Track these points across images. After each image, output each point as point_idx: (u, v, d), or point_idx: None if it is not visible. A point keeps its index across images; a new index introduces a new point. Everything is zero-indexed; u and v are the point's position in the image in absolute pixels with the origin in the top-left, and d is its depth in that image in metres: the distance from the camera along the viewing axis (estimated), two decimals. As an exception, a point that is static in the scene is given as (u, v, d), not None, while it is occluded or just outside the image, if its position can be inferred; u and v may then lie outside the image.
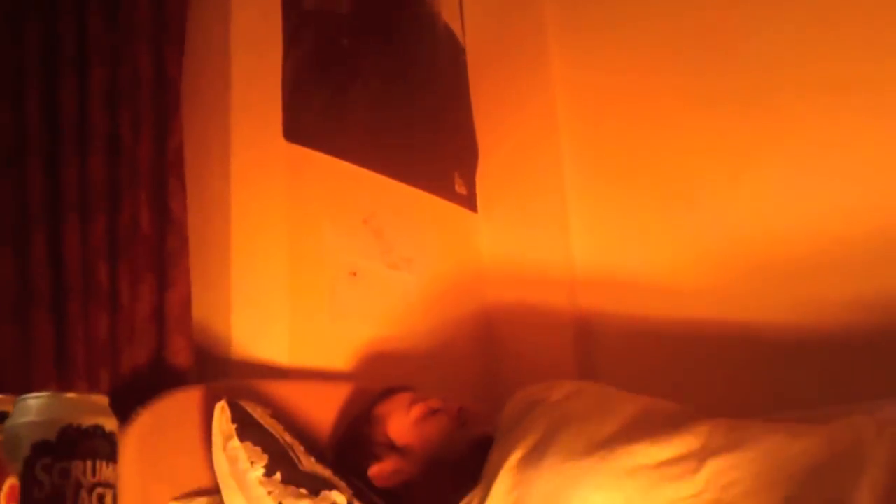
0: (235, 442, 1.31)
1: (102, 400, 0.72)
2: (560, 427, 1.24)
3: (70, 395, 0.71)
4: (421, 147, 2.21)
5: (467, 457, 1.35)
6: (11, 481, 0.59)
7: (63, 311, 1.44)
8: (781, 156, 1.89)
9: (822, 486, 1.00)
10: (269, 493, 1.28)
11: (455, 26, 2.46)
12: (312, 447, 1.44)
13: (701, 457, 1.11)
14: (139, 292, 1.54)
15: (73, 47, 1.51)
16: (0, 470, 0.60)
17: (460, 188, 2.32)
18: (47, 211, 1.45)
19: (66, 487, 0.65)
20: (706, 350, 1.91)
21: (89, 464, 0.66)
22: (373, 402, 1.53)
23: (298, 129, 1.85)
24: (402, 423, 1.46)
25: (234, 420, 1.33)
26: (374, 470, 1.44)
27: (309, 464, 1.37)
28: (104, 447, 0.68)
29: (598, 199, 2.18)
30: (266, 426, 1.37)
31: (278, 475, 1.30)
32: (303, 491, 1.30)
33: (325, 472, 1.38)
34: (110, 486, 0.68)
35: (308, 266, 1.83)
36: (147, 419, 1.36)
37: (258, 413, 1.38)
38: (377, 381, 1.68)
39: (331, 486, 1.34)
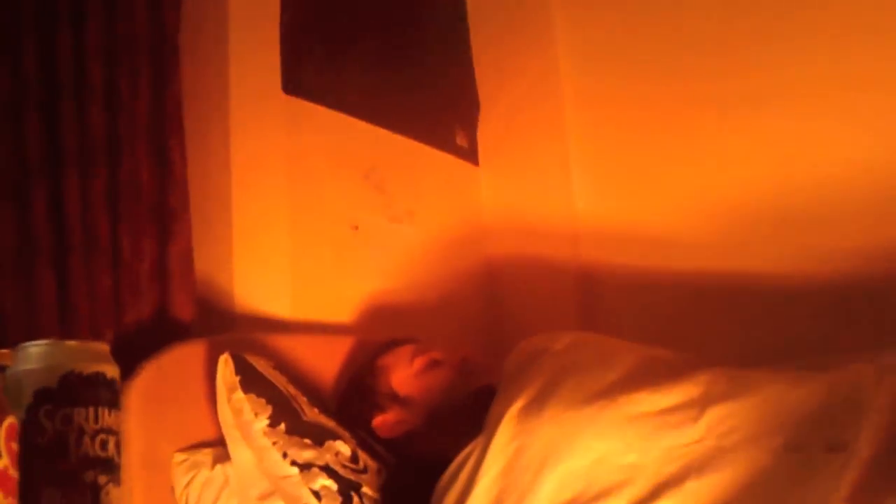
0: (239, 394, 1.32)
1: (103, 347, 0.72)
2: (562, 377, 1.25)
3: (71, 342, 0.71)
4: (422, 100, 2.20)
5: (469, 407, 1.36)
6: (10, 420, 0.60)
7: (65, 267, 1.44)
8: (785, 105, 1.86)
9: (821, 432, 1.01)
10: (274, 443, 1.29)
11: (456, -23, 2.43)
12: (316, 399, 1.45)
13: (701, 405, 1.11)
14: (141, 247, 1.54)
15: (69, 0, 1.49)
16: None
17: (461, 141, 2.31)
18: (47, 166, 1.45)
19: (69, 434, 0.65)
20: (708, 300, 1.91)
21: (91, 410, 0.67)
22: (376, 353, 1.54)
23: (297, 82, 1.84)
24: (404, 374, 1.47)
25: (237, 372, 1.34)
26: (378, 421, 1.45)
27: (313, 415, 1.38)
28: (106, 394, 0.68)
29: (600, 150, 2.17)
30: (269, 378, 1.38)
31: (282, 426, 1.31)
32: (307, 441, 1.31)
33: (329, 423, 1.39)
34: (113, 432, 0.68)
35: (309, 220, 1.83)
36: (151, 373, 1.37)
37: (261, 365, 1.39)
38: (380, 333, 1.69)
39: (335, 437, 1.35)
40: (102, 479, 0.66)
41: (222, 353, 1.37)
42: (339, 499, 1.26)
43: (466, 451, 1.21)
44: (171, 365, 1.40)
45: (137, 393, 1.33)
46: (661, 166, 2.05)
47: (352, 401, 1.51)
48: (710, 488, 0.99)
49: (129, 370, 1.35)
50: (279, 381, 1.40)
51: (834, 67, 1.79)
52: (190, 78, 1.65)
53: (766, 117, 1.88)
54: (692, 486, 1.00)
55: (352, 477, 1.30)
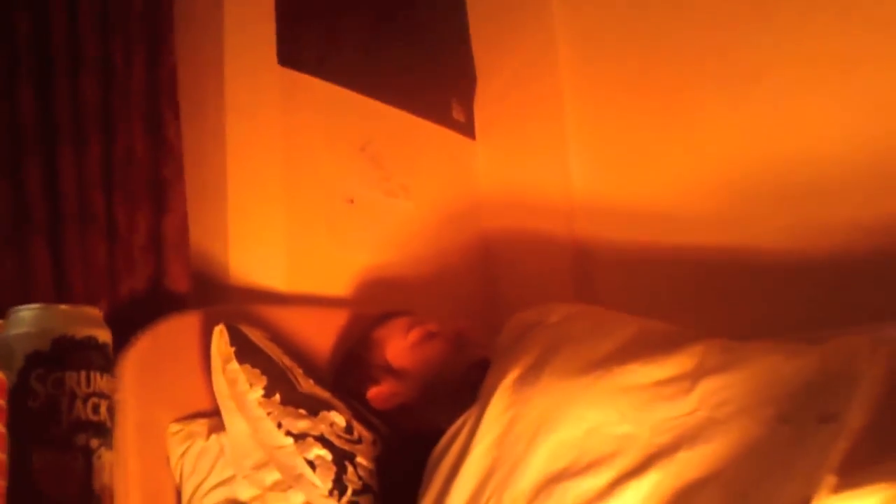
0: (234, 364, 1.32)
1: (95, 312, 0.72)
2: (557, 348, 1.25)
3: (63, 306, 0.72)
4: (418, 73, 2.19)
5: (464, 379, 1.36)
6: (-1, 376, 0.60)
7: (60, 240, 1.44)
8: (782, 79, 1.86)
9: (814, 403, 1.01)
10: (269, 413, 1.29)
11: (453, -51, 2.41)
12: (310, 370, 1.45)
13: (695, 376, 1.11)
14: (136, 219, 1.54)
15: (61, -29, 1.48)
16: None
17: (458, 115, 2.30)
18: (41, 139, 1.45)
19: (61, 397, 0.66)
20: (704, 275, 1.91)
21: (83, 374, 0.67)
22: (370, 326, 1.54)
23: (293, 54, 1.83)
24: (399, 346, 1.48)
25: (232, 343, 1.34)
26: (373, 393, 1.45)
27: (307, 385, 1.39)
28: (98, 358, 0.68)
29: (597, 124, 2.16)
30: (264, 349, 1.38)
31: (277, 396, 1.32)
32: (302, 411, 1.32)
33: (324, 394, 1.39)
34: (105, 396, 0.69)
35: (305, 193, 1.82)
36: (146, 343, 1.37)
37: (256, 336, 1.39)
38: (375, 307, 1.69)
39: (329, 407, 1.36)
40: (94, 442, 0.67)
41: (217, 324, 1.37)
42: (334, 468, 1.27)
43: (460, 421, 1.21)
44: (166, 336, 1.40)
45: (132, 363, 1.33)
46: (658, 141, 2.04)
47: (347, 373, 1.52)
48: (702, 458, 0.99)
49: (124, 342, 1.35)
50: (274, 352, 1.40)
51: (830, 43, 1.79)
52: (185, 50, 1.65)
53: (762, 92, 1.88)
54: (684, 457, 1.00)
55: (346, 447, 1.31)
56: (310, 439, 1.28)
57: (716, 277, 1.90)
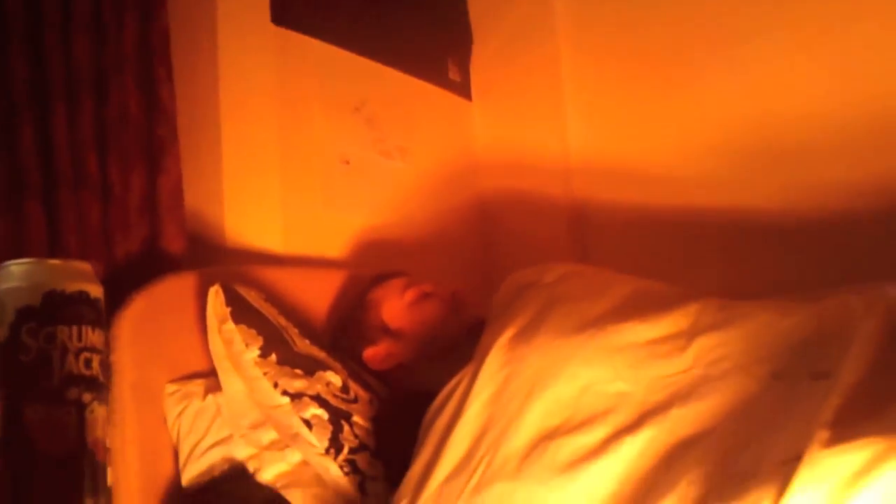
0: (230, 324, 1.32)
1: (86, 266, 0.72)
2: (552, 307, 1.25)
3: (53, 261, 0.71)
4: (413, 33, 2.17)
5: (460, 339, 1.37)
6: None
7: (54, 201, 1.43)
8: (779, 39, 1.84)
9: (808, 361, 1.01)
10: (265, 373, 1.30)
11: None
12: (307, 331, 1.45)
13: (690, 335, 1.11)
14: (130, 180, 1.53)
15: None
16: None
17: (454, 75, 2.28)
18: (33, 99, 1.44)
19: (53, 351, 0.65)
20: (700, 236, 1.91)
21: (75, 329, 0.67)
22: (367, 287, 1.54)
23: (287, 12, 1.81)
24: (395, 307, 1.48)
25: (228, 303, 1.34)
26: (369, 353, 1.46)
27: (304, 346, 1.39)
28: (89, 313, 0.68)
29: (593, 86, 2.15)
30: (260, 309, 1.38)
31: (273, 356, 1.32)
32: (298, 371, 1.32)
33: (320, 354, 1.40)
34: (97, 351, 0.69)
35: (300, 153, 1.82)
36: (141, 304, 1.37)
37: (252, 297, 1.39)
38: (371, 268, 1.69)
39: (326, 367, 1.36)
40: (87, 396, 0.67)
41: (213, 284, 1.37)
42: (330, 427, 1.28)
43: (455, 380, 1.21)
44: (161, 296, 1.40)
45: (128, 324, 1.33)
46: (654, 102, 2.03)
47: (343, 333, 1.52)
48: (695, 415, 1.00)
49: (119, 302, 1.36)
50: (270, 312, 1.40)
51: (824, 3, 1.77)
52: (177, 9, 1.63)
53: (757, 53, 1.87)
54: (677, 413, 1.01)
55: (342, 406, 1.32)
56: (306, 399, 1.29)
57: (711, 238, 1.90)
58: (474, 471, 1.06)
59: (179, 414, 1.36)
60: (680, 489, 0.90)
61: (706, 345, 1.09)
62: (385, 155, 2.01)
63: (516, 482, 1.01)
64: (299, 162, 1.81)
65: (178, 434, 1.36)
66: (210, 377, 1.39)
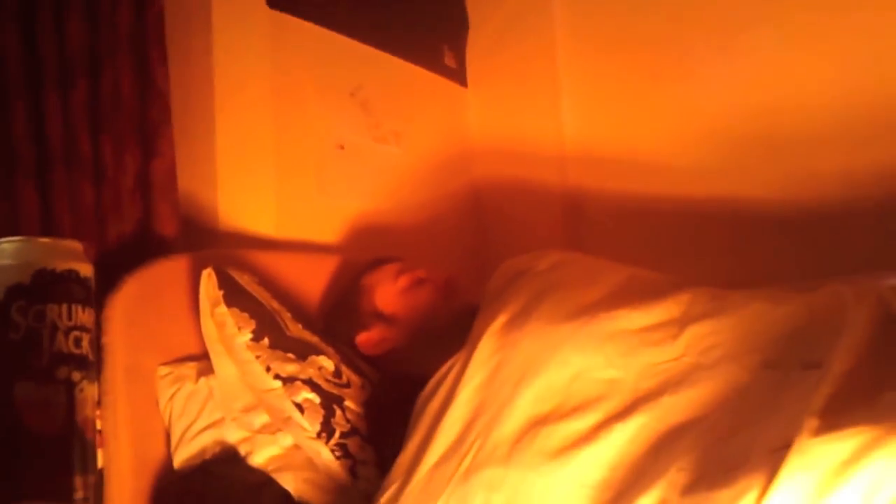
0: (222, 308, 1.32)
1: (77, 245, 0.72)
2: (545, 294, 1.25)
3: (44, 239, 0.71)
4: (410, 18, 2.16)
5: (453, 325, 1.36)
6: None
7: (47, 182, 1.43)
8: (777, 28, 1.84)
9: (799, 349, 1.01)
10: (257, 357, 1.30)
11: None
12: (299, 315, 1.45)
13: (682, 323, 1.11)
14: (123, 162, 1.53)
15: None
16: None
17: (450, 61, 2.28)
18: (26, 79, 1.43)
19: (42, 329, 0.65)
20: (695, 224, 1.91)
21: (65, 307, 0.67)
22: (360, 272, 1.54)
23: (283, -5, 1.80)
24: (388, 292, 1.48)
25: (220, 286, 1.34)
26: (362, 338, 1.46)
27: (296, 330, 1.39)
28: (79, 291, 0.68)
29: (589, 73, 2.14)
30: (253, 293, 1.38)
31: (266, 340, 1.32)
32: (290, 355, 1.32)
33: (313, 338, 1.40)
34: (87, 330, 0.68)
35: (294, 138, 1.81)
36: (134, 286, 1.36)
37: (245, 280, 1.39)
38: (364, 254, 1.69)
39: (318, 352, 1.36)
40: (76, 375, 0.67)
41: (206, 267, 1.37)
42: (322, 412, 1.28)
43: (448, 365, 1.21)
44: (154, 279, 1.40)
45: (121, 306, 1.33)
46: (649, 90, 2.03)
47: (336, 318, 1.52)
48: (686, 403, 1.00)
49: (112, 285, 1.35)
50: (263, 296, 1.40)
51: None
52: (172, -10, 1.62)
53: (754, 42, 1.87)
54: (668, 401, 1.01)
55: (335, 391, 1.32)
56: (298, 383, 1.29)
57: (706, 227, 1.90)
58: (465, 455, 1.06)
59: (171, 396, 1.36)
60: (670, 476, 0.90)
61: (698, 333, 1.09)
62: (380, 140, 2.01)
63: (507, 467, 1.02)
64: (293, 146, 1.80)
65: (169, 417, 1.36)
66: (202, 360, 1.39)
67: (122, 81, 1.53)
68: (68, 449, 0.66)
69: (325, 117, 1.89)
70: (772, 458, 0.81)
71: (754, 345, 1.05)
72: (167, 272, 1.43)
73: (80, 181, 1.46)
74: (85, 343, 0.68)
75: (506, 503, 0.98)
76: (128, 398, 1.33)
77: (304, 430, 1.26)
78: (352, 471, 1.26)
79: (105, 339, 1.32)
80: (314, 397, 1.28)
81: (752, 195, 1.84)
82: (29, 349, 0.66)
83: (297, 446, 1.29)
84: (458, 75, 2.31)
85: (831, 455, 0.77)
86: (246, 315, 1.33)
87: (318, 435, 1.26)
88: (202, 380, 1.37)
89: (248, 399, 1.33)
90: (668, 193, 1.96)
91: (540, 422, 1.04)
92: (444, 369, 1.22)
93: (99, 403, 1.28)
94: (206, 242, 1.63)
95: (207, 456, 1.33)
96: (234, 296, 1.34)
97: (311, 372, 1.31)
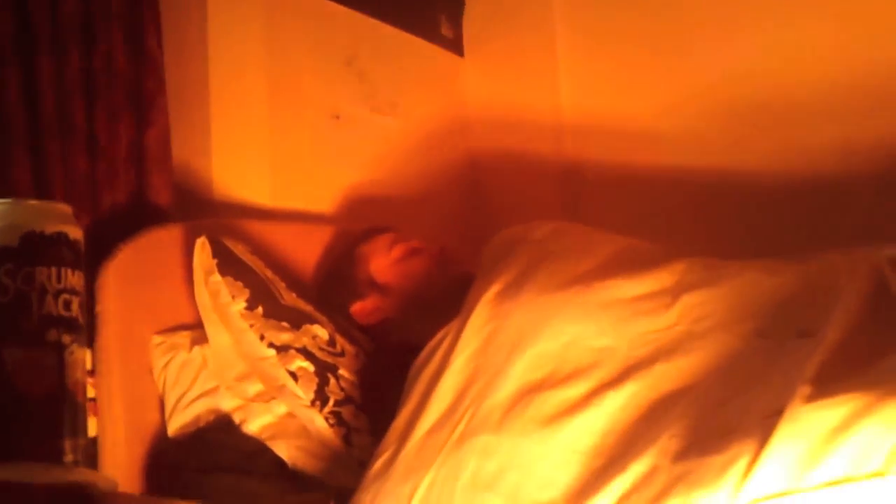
0: (216, 276, 1.32)
1: (66, 208, 0.71)
2: (539, 264, 1.25)
3: (32, 201, 0.71)
4: (405, -14, 2.15)
5: (447, 295, 1.36)
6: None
7: (40, 151, 1.42)
8: (771, 1, 1.83)
9: (792, 319, 1.02)
10: (251, 325, 1.30)
11: None
12: (294, 284, 1.45)
13: (675, 292, 1.12)
14: (117, 131, 1.52)
15: None
16: None
17: (446, 31, 2.26)
18: (19, 48, 1.42)
19: (31, 292, 0.65)
20: (692, 196, 1.91)
21: (54, 270, 0.66)
22: (355, 241, 1.54)
23: (276, -37, 1.78)
24: (383, 262, 1.48)
25: (214, 255, 1.34)
26: (356, 307, 1.46)
27: (290, 299, 1.39)
28: (68, 255, 0.68)
29: (586, 43, 2.13)
30: (247, 262, 1.38)
31: (260, 309, 1.32)
32: (284, 324, 1.32)
33: (307, 308, 1.40)
34: (77, 293, 0.68)
35: (289, 108, 1.80)
36: (128, 255, 1.36)
37: (239, 249, 1.39)
38: (359, 224, 1.68)
39: (312, 321, 1.36)
40: (67, 338, 0.66)
41: (200, 236, 1.36)
42: (316, 380, 1.28)
43: (442, 333, 1.22)
44: (148, 247, 1.40)
45: (114, 274, 1.33)
46: (647, 61, 2.02)
47: (331, 288, 1.52)
48: (678, 371, 1.00)
49: (105, 254, 1.35)
50: (257, 265, 1.40)
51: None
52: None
53: (753, 13, 1.85)
54: (660, 369, 1.01)
55: (329, 360, 1.32)
56: (292, 351, 1.29)
57: (704, 199, 1.89)
58: (458, 422, 1.06)
59: (165, 365, 1.36)
60: (661, 442, 0.90)
61: (691, 302, 1.09)
62: (375, 110, 2.00)
63: (499, 434, 1.02)
64: (288, 115, 1.79)
65: (164, 385, 1.36)
66: (196, 329, 1.39)
67: (116, 51, 1.52)
68: (58, 411, 0.66)
69: (321, 87, 1.87)
70: (764, 425, 0.81)
71: (748, 314, 1.05)
72: (161, 241, 1.43)
73: (73, 150, 1.45)
74: (75, 306, 0.68)
75: (498, 469, 0.99)
76: (122, 366, 1.34)
77: (298, 398, 1.27)
78: (346, 438, 1.26)
79: (99, 308, 1.32)
80: (308, 366, 1.29)
81: (749, 166, 1.84)
82: (18, 312, 0.65)
83: (291, 414, 1.30)
84: (454, 45, 2.29)
85: (823, 422, 0.78)
86: (240, 284, 1.33)
87: (312, 403, 1.26)
88: (196, 348, 1.37)
89: (241, 367, 1.33)
90: (665, 164, 1.96)
91: (533, 389, 1.04)
92: (438, 337, 1.22)
93: (92, 372, 1.29)
94: (200, 211, 1.63)
95: (202, 424, 1.34)
96: (229, 265, 1.34)
97: (305, 341, 1.32)
